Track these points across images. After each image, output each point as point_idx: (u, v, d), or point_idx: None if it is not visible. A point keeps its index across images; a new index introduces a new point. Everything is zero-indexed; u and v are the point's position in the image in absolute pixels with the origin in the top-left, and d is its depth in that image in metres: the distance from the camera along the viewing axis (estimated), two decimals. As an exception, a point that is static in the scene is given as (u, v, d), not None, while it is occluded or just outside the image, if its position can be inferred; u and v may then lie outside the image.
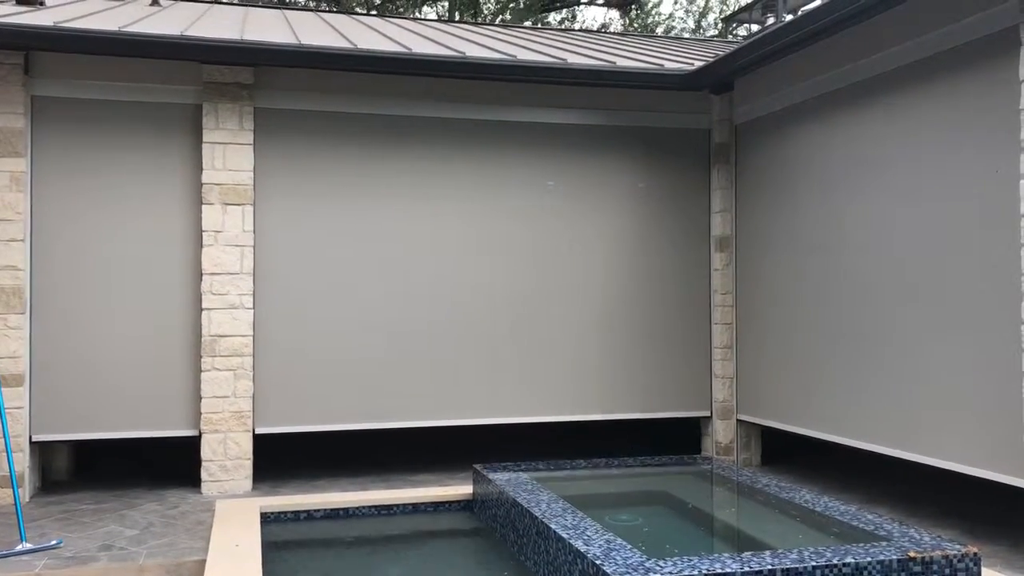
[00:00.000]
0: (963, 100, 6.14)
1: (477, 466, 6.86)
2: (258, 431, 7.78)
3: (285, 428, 7.94)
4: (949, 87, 6.27)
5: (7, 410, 6.83)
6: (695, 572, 4.07)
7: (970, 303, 6.05)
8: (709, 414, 8.95)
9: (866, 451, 7.06)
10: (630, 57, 9.56)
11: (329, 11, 18.76)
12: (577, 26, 26.96)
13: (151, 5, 10.51)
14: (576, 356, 8.68)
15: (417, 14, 24.24)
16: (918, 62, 6.53)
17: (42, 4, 8.63)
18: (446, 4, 25.49)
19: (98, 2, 10.25)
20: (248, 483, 7.67)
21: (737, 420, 8.80)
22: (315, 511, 6.65)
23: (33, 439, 7.39)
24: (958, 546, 4.45)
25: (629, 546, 4.50)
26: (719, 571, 4.09)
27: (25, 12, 7.90)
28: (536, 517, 5.18)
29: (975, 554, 4.39)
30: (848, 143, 7.28)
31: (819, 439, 7.66)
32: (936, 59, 6.36)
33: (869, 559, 4.24)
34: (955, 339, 6.17)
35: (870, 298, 6.98)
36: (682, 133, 9.07)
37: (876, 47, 6.92)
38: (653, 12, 27.92)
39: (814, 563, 4.17)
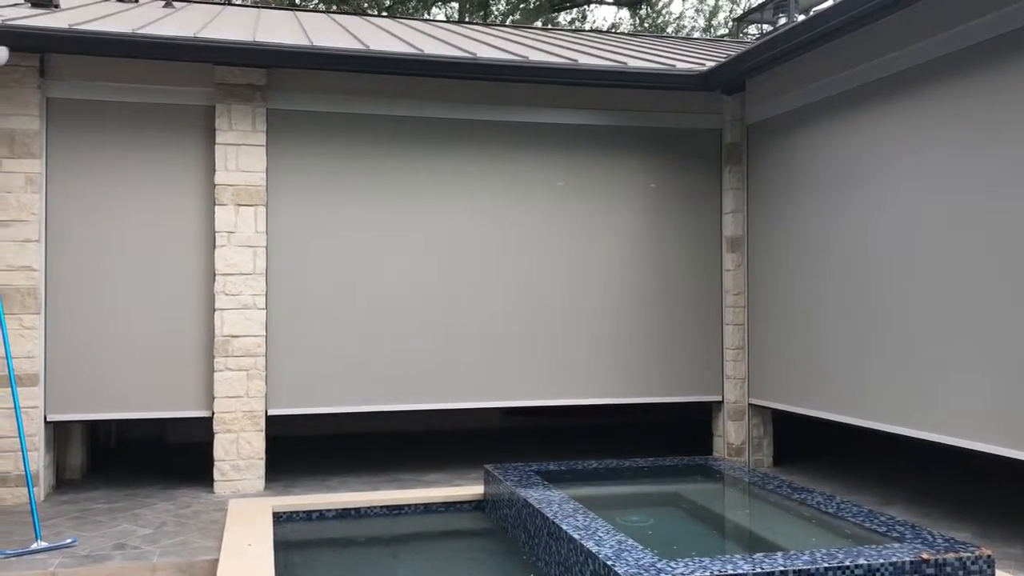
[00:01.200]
0: (979, 99, 6.11)
1: (488, 466, 6.88)
2: (271, 412, 7.82)
3: (297, 410, 7.95)
4: (964, 86, 6.24)
5: (22, 410, 6.87)
6: (707, 573, 4.07)
7: (983, 305, 6.02)
8: (720, 398, 8.96)
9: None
10: (641, 57, 9.55)
11: (341, 12, 18.81)
12: (587, 26, 26.96)
13: (164, 7, 10.57)
14: (586, 353, 8.69)
15: (427, 15, 24.29)
16: (931, 61, 6.49)
17: (56, 6, 8.69)
18: (455, 5, 25.52)
19: (112, 4, 10.31)
20: (260, 483, 7.70)
21: (749, 405, 8.75)
22: (327, 511, 6.68)
23: (48, 418, 7.43)
24: (971, 548, 4.44)
25: (641, 547, 4.51)
26: (731, 572, 4.09)
27: (40, 15, 7.96)
28: (547, 517, 5.19)
29: (988, 556, 4.37)
30: (860, 143, 7.25)
31: (829, 422, 7.63)
32: (950, 58, 6.33)
33: (882, 561, 4.24)
34: (965, 339, 6.14)
35: (884, 297, 6.95)
36: (694, 133, 9.06)
37: (889, 47, 6.89)
38: (663, 12, 27.90)
39: (826, 564, 4.17)
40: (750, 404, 8.80)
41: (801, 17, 13.45)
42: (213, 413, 7.66)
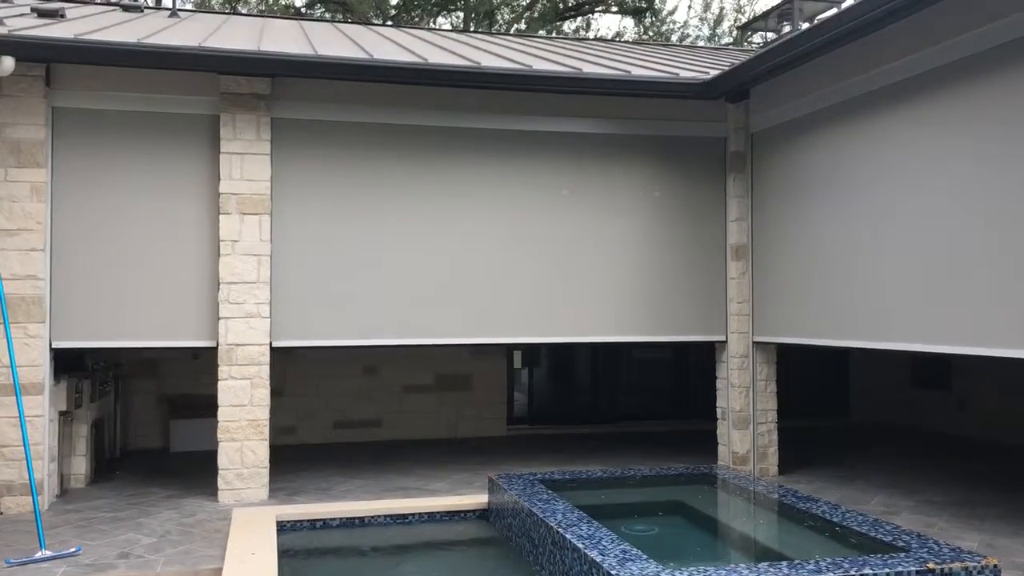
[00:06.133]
0: (980, 106, 6.10)
1: (492, 475, 6.86)
2: (275, 344, 7.84)
3: (300, 342, 7.97)
4: (966, 94, 6.23)
5: (27, 419, 6.88)
6: (711, 583, 4.06)
7: (991, 305, 6.01)
8: (724, 337, 8.98)
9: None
10: (645, 66, 9.56)
11: (345, 22, 18.88)
12: (592, 34, 27.00)
13: (169, 17, 10.62)
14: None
15: (432, 24, 24.35)
16: (935, 69, 6.50)
17: (63, 17, 8.72)
18: (461, 15, 25.59)
19: (117, 14, 10.36)
20: (264, 491, 7.69)
21: (753, 343, 8.74)
22: (331, 520, 6.67)
23: (53, 345, 7.45)
24: (977, 557, 4.41)
25: (645, 556, 4.49)
26: (735, 582, 4.07)
27: (46, 25, 7.99)
28: (552, 527, 5.18)
29: (995, 566, 4.35)
30: (864, 151, 7.25)
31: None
32: (954, 66, 6.33)
33: (887, 571, 4.22)
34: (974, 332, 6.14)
35: (889, 303, 6.94)
36: (698, 141, 9.06)
37: (893, 55, 6.89)
38: (668, 20, 27.92)
39: (831, 574, 4.15)
40: (754, 342, 8.84)
41: (805, 26, 13.44)
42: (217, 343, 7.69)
